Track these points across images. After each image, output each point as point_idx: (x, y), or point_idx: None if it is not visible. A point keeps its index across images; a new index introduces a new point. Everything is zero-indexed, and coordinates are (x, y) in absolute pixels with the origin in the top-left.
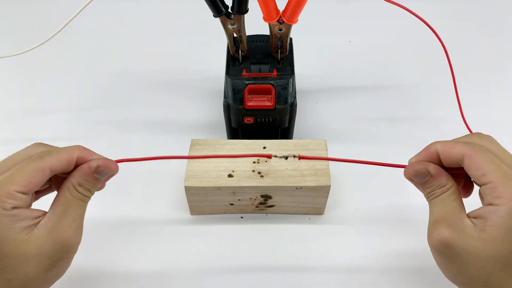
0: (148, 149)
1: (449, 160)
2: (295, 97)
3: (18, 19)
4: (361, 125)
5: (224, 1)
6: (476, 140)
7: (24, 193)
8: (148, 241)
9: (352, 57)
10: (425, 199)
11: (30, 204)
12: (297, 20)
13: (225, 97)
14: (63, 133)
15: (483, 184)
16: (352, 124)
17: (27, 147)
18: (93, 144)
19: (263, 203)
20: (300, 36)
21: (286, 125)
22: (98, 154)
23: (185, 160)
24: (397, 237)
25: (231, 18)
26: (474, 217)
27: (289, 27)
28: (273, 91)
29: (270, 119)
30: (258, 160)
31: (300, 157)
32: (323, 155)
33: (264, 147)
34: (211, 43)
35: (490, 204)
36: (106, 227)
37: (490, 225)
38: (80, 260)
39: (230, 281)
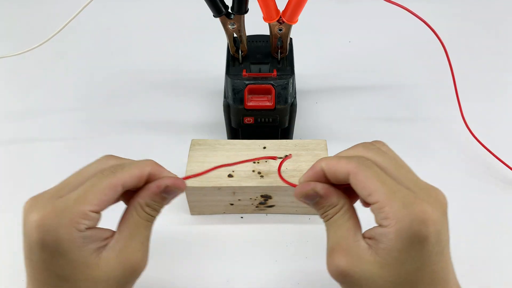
0: (148, 149)
1: (336, 178)
2: (295, 97)
3: (18, 19)
4: (361, 125)
5: (224, 1)
6: (361, 152)
7: (97, 212)
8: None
9: (352, 57)
10: None
11: (99, 222)
12: (297, 20)
13: (225, 97)
14: (63, 133)
15: (371, 203)
16: (352, 124)
17: (98, 159)
18: (93, 144)
19: (263, 203)
20: (300, 36)
21: (286, 125)
22: (169, 172)
23: (185, 160)
24: None
25: (231, 18)
26: (369, 238)
27: (289, 27)
28: (273, 91)
29: (270, 119)
30: (258, 160)
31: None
32: (323, 155)
33: (264, 147)
34: (211, 43)
35: (380, 225)
36: (106, 227)
37: (383, 248)
38: None
39: (230, 281)
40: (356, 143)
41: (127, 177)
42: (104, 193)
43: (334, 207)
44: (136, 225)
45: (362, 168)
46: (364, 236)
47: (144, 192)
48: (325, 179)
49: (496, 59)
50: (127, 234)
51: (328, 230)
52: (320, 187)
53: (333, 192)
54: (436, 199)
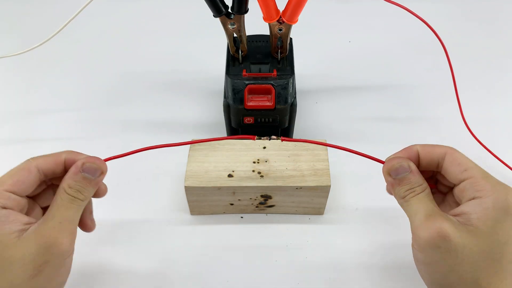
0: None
1: (429, 159)
2: (295, 97)
3: (19, 18)
4: (361, 125)
5: (224, 1)
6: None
7: (13, 193)
8: (148, 241)
9: (352, 57)
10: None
11: (24, 209)
12: (297, 20)
13: (225, 97)
14: (63, 133)
15: (464, 180)
16: (352, 124)
17: None
18: (93, 144)
19: (263, 203)
20: (300, 36)
21: (286, 125)
22: (86, 154)
23: (185, 160)
24: (397, 237)
25: (231, 18)
26: (455, 215)
27: (289, 27)
28: (273, 91)
29: (270, 119)
30: (258, 160)
31: (283, 139)
32: (323, 155)
33: (264, 147)
34: (211, 43)
35: (473, 198)
36: (106, 227)
37: (477, 218)
38: (80, 260)
39: (230, 281)
40: (356, 143)
41: (41, 161)
42: (18, 174)
43: (420, 185)
44: (57, 206)
45: (458, 151)
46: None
47: (66, 175)
48: (415, 162)
49: (496, 59)
50: (47, 215)
51: (414, 204)
52: (412, 163)
53: (420, 174)
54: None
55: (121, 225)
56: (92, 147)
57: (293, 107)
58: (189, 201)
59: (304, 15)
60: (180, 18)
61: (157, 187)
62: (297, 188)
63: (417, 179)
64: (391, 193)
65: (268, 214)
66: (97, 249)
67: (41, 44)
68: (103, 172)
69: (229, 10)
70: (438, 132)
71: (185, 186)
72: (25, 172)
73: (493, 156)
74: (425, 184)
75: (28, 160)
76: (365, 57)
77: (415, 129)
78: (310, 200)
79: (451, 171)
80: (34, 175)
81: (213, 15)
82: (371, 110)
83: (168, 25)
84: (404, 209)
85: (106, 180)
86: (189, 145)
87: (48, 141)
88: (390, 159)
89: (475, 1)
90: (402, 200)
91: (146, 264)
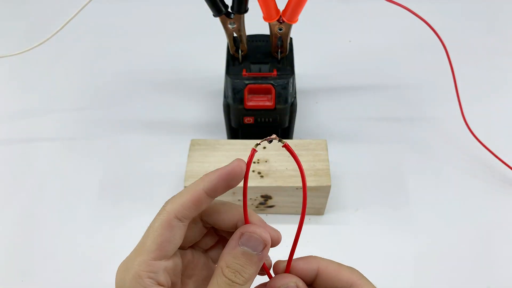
0: (148, 149)
1: (330, 284)
2: (295, 97)
3: (18, 18)
4: (361, 125)
5: (224, 1)
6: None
7: (162, 258)
8: None
9: (352, 56)
10: (426, 200)
11: (179, 267)
12: (297, 20)
13: (225, 97)
14: (63, 133)
15: None
16: (352, 124)
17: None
18: (93, 144)
19: (263, 203)
20: (300, 35)
21: (286, 125)
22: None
23: (185, 160)
24: (397, 237)
25: (231, 18)
26: None
27: (289, 27)
28: (273, 91)
29: (270, 119)
30: (258, 160)
31: (286, 145)
32: (323, 155)
33: (264, 147)
34: (211, 43)
35: None
36: (106, 227)
37: None
38: (80, 260)
39: None
40: (356, 143)
41: (178, 207)
42: (159, 234)
43: None
44: None
45: (365, 280)
46: None
47: (225, 248)
48: (308, 278)
49: (497, 58)
50: None
51: None
52: (302, 284)
53: None
54: None
55: (120, 225)
56: (92, 147)
57: (293, 107)
58: None
59: (304, 14)
60: (180, 17)
61: (157, 187)
62: (297, 188)
63: None
64: None
65: (268, 214)
66: (97, 249)
67: (40, 44)
68: (266, 245)
69: (229, 9)
70: (438, 132)
71: (185, 186)
72: (166, 231)
73: (493, 156)
74: None
75: (164, 208)
76: (365, 57)
77: (415, 129)
78: (310, 200)
79: None
80: (178, 229)
81: (213, 15)
82: (371, 110)
83: (168, 24)
84: None
85: (105, 181)
86: (189, 145)
87: (47, 141)
88: (277, 277)
89: (475, 1)
90: None
91: None
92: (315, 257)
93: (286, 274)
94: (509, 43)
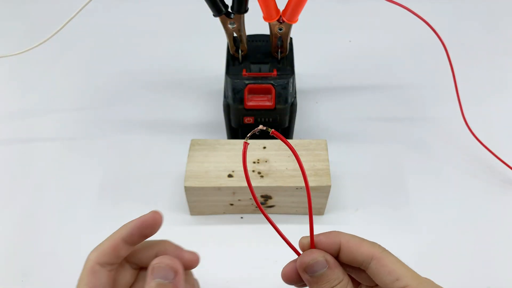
0: (148, 149)
1: (352, 258)
2: (295, 97)
3: (17, 18)
4: (361, 125)
5: (224, 1)
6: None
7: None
8: None
9: (352, 56)
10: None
11: None
12: (297, 20)
13: (225, 97)
14: (63, 133)
15: None
16: (352, 124)
17: None
18: (93, 144)
19: (263, 204)
20: (300, 35)
21: (286, 125)
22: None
23: (185, 160)
24: (397, 237)
25: (231, 18)
26: None
27: (289, 27)
28: (273, 91)
29: (270, 119)
30: (258, 160)
31: (273, 132)
32: (323, 155)
33: (264, 147)
34: (211, 43)
35: None
36: (106, 227)
37: None
38: (80, 261)
39: (230, 281)
40: (356, 143)
41: (99, 254)
42: (86, 282)
43: (340, 281)
44: None
45: (387, 253)
46: None
47: (146, 282)
48: (333, 252)
49: (497, 58)
50: None
51: None
52: (330, 257)
53: (339, 266)
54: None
55: (120, 226)
56: (92, 147)
57: (293, 107)
58: (189, 202)
59: (304, 14)
60: (180, 17)
61: (157, 187)
62: (297, 188)
63: (336, 274)
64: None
65: (268, 214)
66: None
67: (40, 44)
68: (177, 272)
69: (229, 9)
70: (438, 132)
71: (185, 186)
72: (92, 277)
73: (493, 156)
74: (346, 279)
75: (88, 256)
76: (365, 57)
77: (415, 129)
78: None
79: (381, 279)
80: (102, 274)
81: (213, 15)
82: (371, 110)
83: (168, 24)
84: None
85: (105, 181)
86: (189, 145)
87: (47, 141)
88: (305, 253)
89: (475, 1)
90: None
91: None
92: (338, 232)
93: (313, 250)
94: (509, 43)
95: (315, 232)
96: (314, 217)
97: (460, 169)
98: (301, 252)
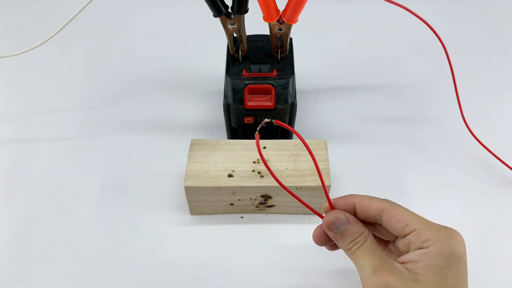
0: (148, 149)
1: (365, 215)
2: (295, 97)
3: (18, 18)
4: (361, 125)
5: (224, 1)
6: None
7: None
8: (148, 241)
9: (352, 57)
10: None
11: None
12: (297, 20)
13: (225, 97)
14: (63, 133)
15: (408, 234)
16: (352, 124)
17: None
18: (93, 144)
19: (263, 203)
20: (300, 35)
21: None
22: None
23: (185, 160)
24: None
25: (231, 18)
26: (403, 263)
27: (289, 27)
28: (273, 91)
29: (270, 119)
30: (258, 160)
31: (276, 122)
32: (323, 155)
33: (264, 147)
34: (211, 43)
35: (420, 248)
36: (106, 227)
37: (423, 266)
38: (80, 261)
39: (230, 281)
40: (356, 143)
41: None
42: None
43: (361, 234)
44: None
45: (395, 205)
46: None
47: None
48: (350, 212)
49: (496, 58)
50: None
51: (361, 257)
52: (348, 214)
53: (359, 221)
54: (454, 231)
55: (120, 226)
56: (92, 147)
57: (293, 107)
58: (189, 201)
59: (305, 15)
60: (180, 18)
61: (157, 187)
62: (297, 188)
63: (357, 228)
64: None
65: (268, 214)
66: (97, 249)
67: (41, 44)
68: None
69: (229, 10)
70: (438, 132)
71: (185, 186)
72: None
73: (493, 156)
74: (367, 232)
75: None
76: (365, 57)
77: (415, 129)
78: (310, 200)
79: (392, 228)
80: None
81: (213, 15)
82: (371, 110)
83: (168, 24)
84: (353, 262)
85: (105, 181)
86: (189, 145)
87: (47, 141)
88: (327, 214)
89: (475, 1)
90: (348, 253)
91: (146, 264)
92: (352, 194)
93: (333, 210)
94: (509, 43)
95: (312, 232)
96: (314, 217)
97: (459, 169)
98: (324, 215)
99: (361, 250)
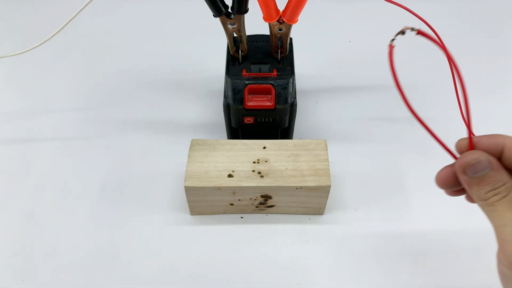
0: (148, 149)
1: None
2: (295, 97)
3: (18, 18)
4: (361, 125)
5: (224, 1)
6: None
7: None
8: (148, 242)
9: (352, 57)
10: (425, 199)
11: None
12: (297, 20)
13: (225, 97)
14: (63, 133)
15: None
16: (352, 124)
17: None
18: (93, 144)
19: (263, 203)
20: (300, 35)
21: (286, 125)
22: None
23: (185, 160)
24: (396, 237)
25: (231, 18)
26: None
27: (289, 27)
28: (273, 91)
29: (270, 119)
30: (258, 160)
31: (418, 32)
32: (323, 155)
33: (264, 147)
34: (211, 43)
35: None
36: (106, 227)
37: None
38: (80, 260)
39: (230, 281)
40: (356, 143)
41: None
42: None
43: (504, 184)
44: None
45: None
46: None
47: None
48: (494, 155)
49: (496, 59)
50: None
51: (502, 210)
52: (493, 158)
53: (503, 169)
54: None
55: (121, 226)
56: (92, 147)
57: (293, 107)
58: (189, 201)
59: (305, 14)
60: (179, 18)
61: (157, 187)
62: (297, 188)
63: (501, 176)
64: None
65: (268, 214)
66: (98, 249)
67: (41, 44)
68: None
69: (229, 10)
70: (438, 131)
71: (185, 186)
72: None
73: None
74: (511, 183)
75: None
76: (365, 57)
77: (415, 129)
78: (310, 200)
79: None
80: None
81: (213, 15)
82: (371, 110)
83: (168, 24)
84: (486, 215)
85: (105, 181)
86: (189, 145)
87: (48, 141)
88: (466, 154)
89: (475, 1)
90: (484, 203)
91: (146, 264)
92: (501, 134)
93: (474, 150)
94: (509, 44)
95: (312, 232)
96: (314, 217)
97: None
98: (458, 156)
99: (503, 203)
